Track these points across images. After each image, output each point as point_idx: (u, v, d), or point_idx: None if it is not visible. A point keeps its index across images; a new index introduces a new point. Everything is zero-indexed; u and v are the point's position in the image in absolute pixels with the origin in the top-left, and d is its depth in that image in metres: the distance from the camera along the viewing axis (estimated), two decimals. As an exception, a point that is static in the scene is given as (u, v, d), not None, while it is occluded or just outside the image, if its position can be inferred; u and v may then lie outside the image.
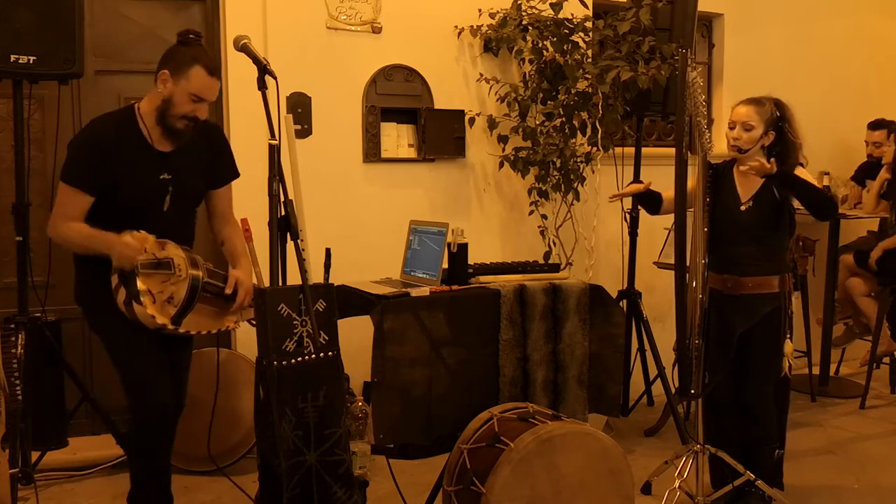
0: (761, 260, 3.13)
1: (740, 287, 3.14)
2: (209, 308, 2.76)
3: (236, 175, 3.03)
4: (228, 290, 2.79)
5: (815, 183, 3.11)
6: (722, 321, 3.20)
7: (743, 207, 3.15)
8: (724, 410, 3.25)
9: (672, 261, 3.21)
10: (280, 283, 2.44)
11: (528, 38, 4.21)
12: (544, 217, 4.32)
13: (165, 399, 2.74)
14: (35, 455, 3.28)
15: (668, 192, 3.32)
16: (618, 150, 4.38)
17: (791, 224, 3.20)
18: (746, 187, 3.18)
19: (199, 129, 2.83)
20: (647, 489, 3.41)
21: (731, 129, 3.15)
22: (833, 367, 5.32)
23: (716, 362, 3.20)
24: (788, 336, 3.15)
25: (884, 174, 4.91)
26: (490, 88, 4.32)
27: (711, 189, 3.19)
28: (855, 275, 5.00)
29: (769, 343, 3.15)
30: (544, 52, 4.21)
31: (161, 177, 2.76)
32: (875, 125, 5.17)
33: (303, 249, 2.55)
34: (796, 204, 3.19)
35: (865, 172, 5.17)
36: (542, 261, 3.70)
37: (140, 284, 2.58)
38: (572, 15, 4.20)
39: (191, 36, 2.74)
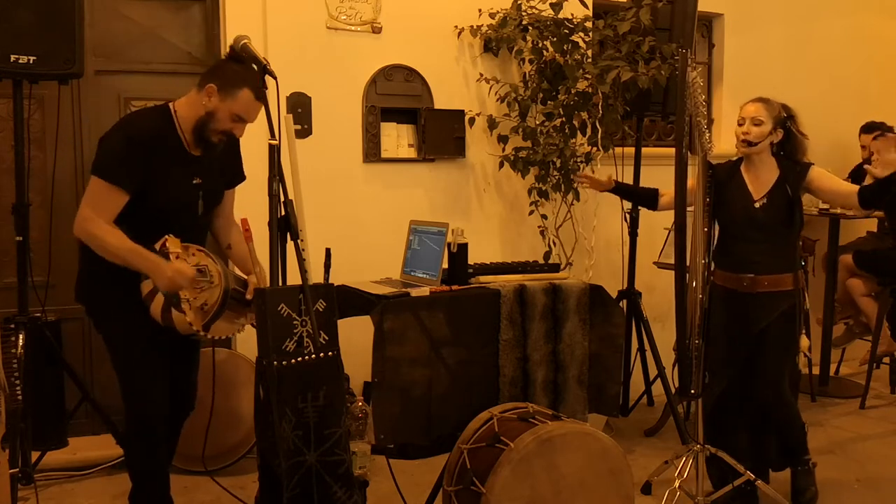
0: (776, 258, 3.18)
1: (756, 285, 3.17)
2: (229, 312, 2.76)
3: (243, 178, 3.02)
4: (249, 296, 2.77)
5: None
6: (738, 319, 3.23)
7: (758, 204, 3.19)
8: (733, 408, 3.28)
9: (672, 261, 3.22)
10: (280, 283, 2.43)
11: (528, 38, 4.21)
12: (544, 217, 4.32)
13: (159, 407, 2.73)
14: (35, 455, 3.28)
15: (670, 190, 3.34)
16: (618, 150, 4.38)
17: (801, 222, 3.24)
18: (758, 185, 3.22)
19: None
20: (647, 489, 3.41)
21: (740, 125, 3.20)
22: (833, 367, 5.32)
23: (727, 360, 3.24)
24: (804, 331, 3.19)
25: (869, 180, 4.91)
26: (490, 88, 4.32)
27: (718, 189, 3.24)
28: (854, 275, 5.00)
29: (785, 339, 3.20)
30: (544, 52, 4.21)
31: (194, 181, 2.75)
32: (868, 128, 5.20)
33: (303, 249, 2.54)
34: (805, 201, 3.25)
35: (861, 175, 5.17)
36: (542, 261, 3.70)
37: (180, 292, 2.58)
38: (572, 15, 4.20)
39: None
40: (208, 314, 2.63)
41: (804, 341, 3.22)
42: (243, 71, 2.67)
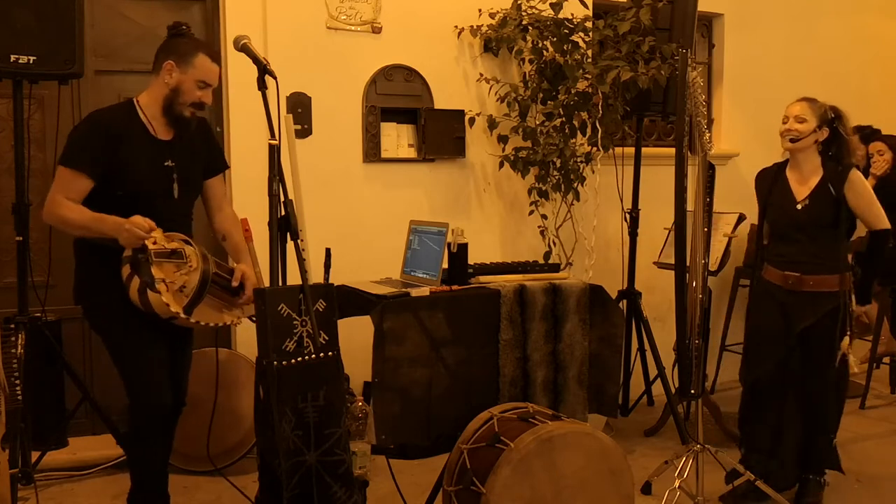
0: (821, 258, 3.19)
1: (801, 284, 3.20)
2: (215, 301, 2.79)
3: (226, 166, 3.07)
4: (235, 283, 2.82)
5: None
6: (782, 316, 3.25)
7: (799, 206, 3.21)
8: (763, 402, 3.31)
9: (672, 261, 3.22)
10: (280, 283, 2.43)
11: (528, 38, 4.21)
12: (544, 217, 4.32)
13: (165, 398, 2.76)
14: (35, 455, 3.28)
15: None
16: (618, 150, 4.38)
17: (849, 223, 3.24)
18: (802, 186, 3.24)
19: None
20: (647, 489, 3.41)
21: (785, 122, 3.23)
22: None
23: (764, 354, 3.27)
24: (848, 333, 3.21)
25: (871, 182, 4.91)
26: (490, 88, 4.32)
27: (763, 192, 3.31)
28: None
29: (827, 340, 3.21)
30: (544, 52, 4.21)
31: (165, 164, 2.79)
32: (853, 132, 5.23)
33: (303, 249, 2.55)
34: None
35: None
36: (542, 261, 3.70)
37: (154, 272, 2.61)
38: (572, 15, 4.20)
39: (183, 27, 2.80)
40: (188, 297, 2.65)
41: (845, 342, 3.22)
42: (191, 40, 2.80)
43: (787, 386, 3.29)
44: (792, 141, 3.19)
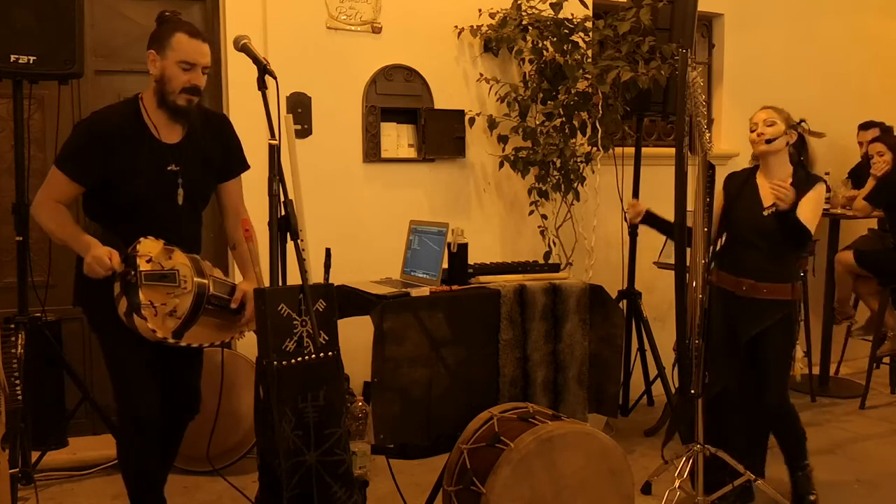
0: (777, 266, 3.19)
1: (755, 291, 3.19)
2: (213, 320, 2.71)
3: (246, 166, 2.94)
4: (234, 305, 2.74)
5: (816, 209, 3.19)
6: (731, 322, 3.25)
7: (766, 212, 3.21)
8: (728, 409, 3.28)
9: (672, 261, 3.22)
10: (280, 283, 2.43)
11: (528, 38, 4.21)
12: (544, 217, 4.32)
13: (149, 411, 2.69)
14: (35, 455, 3.28)
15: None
16: (618, 150, 4.38)
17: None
18: (770, 194, 3.21)
19: (205, 119, 2.78)
20: (647, 489, 3.41)
21: (753, 130, 3.24)
22: (833, 368, 5.32)
23: (720, 362, 3.24)
24: (797, 341, 3.24)
25: (871, 182, 4.91)
26: (490, 88, 4.32)
27: (730, 195, 3.31)
28: (859, 276, 4.97)
29: (782, 348, 3.23)
30: (544, 52, 4.21)
31: (169, 168, 2.67)
32: (865, 126, 5.23)
33: (303, 249, 2.54)
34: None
35: (861, 174, 5.19)
36: (542, 261, 3.70)
37: (142, 297, 2.52)
38: (572, 15, 4.20)
39: (166, 14, 2.69)
40: (179, 319, 2.57)
41: (798, 351, 3.26)
42: (171, 23, 2.66)
43: (745, 394, 3.28)
44: (768, 142, 3.20)
